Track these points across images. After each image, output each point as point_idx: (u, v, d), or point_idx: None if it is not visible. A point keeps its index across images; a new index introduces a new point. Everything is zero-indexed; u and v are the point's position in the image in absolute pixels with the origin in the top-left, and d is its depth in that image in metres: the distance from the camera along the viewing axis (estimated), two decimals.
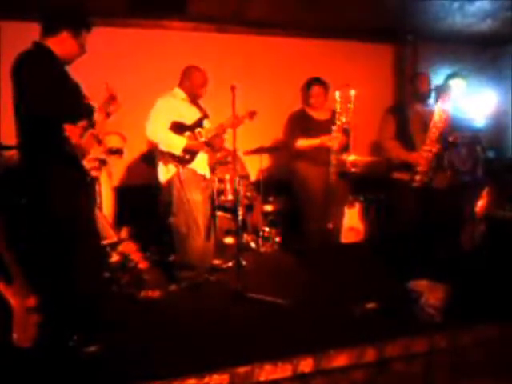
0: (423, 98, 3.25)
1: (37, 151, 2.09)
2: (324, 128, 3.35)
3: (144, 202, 3.64)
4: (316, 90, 3.47)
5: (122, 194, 3.78)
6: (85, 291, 2.13)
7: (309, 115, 3.50)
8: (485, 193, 3.87)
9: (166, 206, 3.11)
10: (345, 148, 3.37)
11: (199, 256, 3.03)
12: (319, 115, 3.50)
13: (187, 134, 3.05)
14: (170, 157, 3.00)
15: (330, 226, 3.46)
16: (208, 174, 3.24)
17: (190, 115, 3.11)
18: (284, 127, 3.61)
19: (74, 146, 2.02)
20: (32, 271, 2.02)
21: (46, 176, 2.09)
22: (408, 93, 3.36)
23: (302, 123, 3.46)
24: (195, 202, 3.01)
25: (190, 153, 3.03)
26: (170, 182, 3.04)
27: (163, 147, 2.99)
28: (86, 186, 2.28)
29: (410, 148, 3.17)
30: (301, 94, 3.55)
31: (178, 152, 2.97)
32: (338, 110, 3.28)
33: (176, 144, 2.97)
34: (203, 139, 3.10)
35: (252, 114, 3.16)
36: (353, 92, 3.23)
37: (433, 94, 3.23)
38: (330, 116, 3.42)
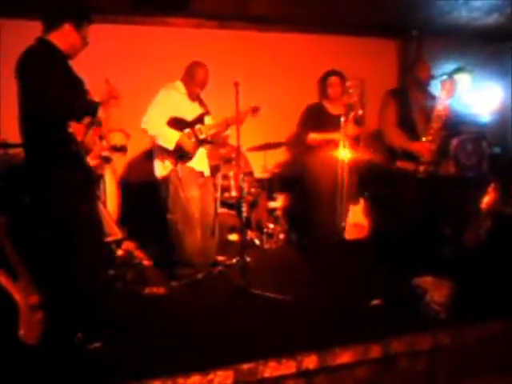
0: (423, 85, 3.21)
1: (40, 149, 2.10)
2: (338, 123, 3.33)
3: (147, 198, 3.64)
4: (333, 79, 3.45)
5: (126, 190, 3.78)
6: (87, 288, 2.13)
7: (324, 109, 3.48)
8: (491, 189, 3.84)
9: (162, 203, 3.10)
10: (356, 140, 3.34)
11: (197, 253, 3.02)
12: (335, 109, 3.46)
13: (187, 130, 3.02)
14: (169, 153, 2.98)
15: (343, 224, 3.46)
16: (206, 171, 3.21)
17: (190, 111, 3.09)
18: (298, 120, 3.59)
19: (79, 144, 2.03)
20: (36, 269, 2.03)
21: (49, 174, 2.10)
22: (408, 81, 3.31)
23: (316, 117, 3.44)
24: (191, 199, 3.00)
25: (183, 150, 2.98)
26: (166, 178, 3.02)
27: (157, 140, 2.97)
28: (90, 184, 2.28)
29: (413, 137, 3.12)
30: (318, 88, 3.51)
31: (170, 146, 2.93)
32: (350, 102, 3.27)
33: (169, 138, 2.94)
34: (203, 136, 3.08)
35: (255, 110, 3.13)
36: (363, 84, 3.22)
37: (438, 86, 3.19)
38: (344, 111, 3.40)
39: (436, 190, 3.10)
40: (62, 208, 2.10)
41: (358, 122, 3.30)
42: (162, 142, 2.96)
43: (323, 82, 3.48)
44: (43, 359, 1.91)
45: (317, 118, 3.43)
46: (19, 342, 1.87)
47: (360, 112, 3.26)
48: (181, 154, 2.98)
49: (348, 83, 3.28)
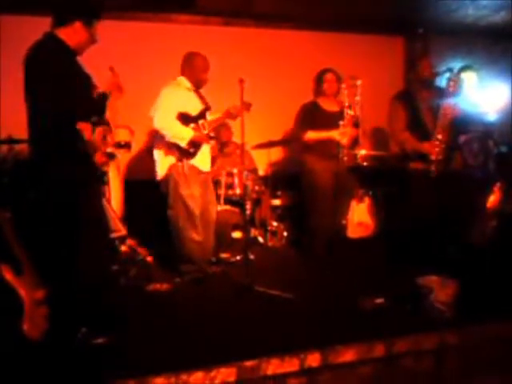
0: (427, 83, 3.21)
1: (46, 145, 2.09)
2: (334, 120, 3.34)
3: (151, 195, 3.65)
4: (329, 76, 3.47)
5: (130, 187, 3.79)
6: (91, 284, 2.13)
7: (320, 107, 3.49)
8: (497, 188, 3.81)
9: (164, 199, 3.10)
10: (354, 141, 3.35)
11: (197, 249, 3.02)
12: (330, 106, 3.47)
13: (192, 125, 3.02)
14: (176, 150, 2.98)
15: (344, 221, 3.45)
16: (208, 168, 3.20)
17: (193, 106, 3.08)
18: (294, 119, 3.60)
19: (87, 142, 2.03)
20: (41, 264, 2.03)
21: (55, 171, 2.10)
22: (412, 80, 3.32)
23: (312, 115, 3.45)
24: (192, 196, 3.00)
25: (195, 145, 3.01)
26: (167, 176, 3.02)
27: (170, 138, 2.97)
28: (95, 181, 2.28)
29: (423, 136, 3.13)
30: (313, 86, 3.53)
31: (183, 143, 2.95)
32: (346, 103, 3.29)
33: (183, 135, 2.95)
34: (206, 131, 3.08)
35: (248, 106, 3.12)
36: (359, 82, 3.23)
37: (443, 82, 3.18)
38: (340, 108, 3.40)
39: (444, 188, 3.11)
40: (68, 205, 2.10)
41: (356, 123, 3.30)
42: (175, 140, 2.96)
43: (319, 78, 3.50)
44: (47, 354, 1.92)
45: (312, 116, 3.44)
46: (23, 336, 1.88)
47: (356, 113, 3.27)
48: (186, 151, 2.98)
49: (343, 85, 3.31)
